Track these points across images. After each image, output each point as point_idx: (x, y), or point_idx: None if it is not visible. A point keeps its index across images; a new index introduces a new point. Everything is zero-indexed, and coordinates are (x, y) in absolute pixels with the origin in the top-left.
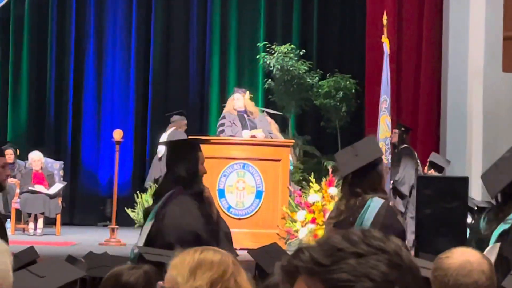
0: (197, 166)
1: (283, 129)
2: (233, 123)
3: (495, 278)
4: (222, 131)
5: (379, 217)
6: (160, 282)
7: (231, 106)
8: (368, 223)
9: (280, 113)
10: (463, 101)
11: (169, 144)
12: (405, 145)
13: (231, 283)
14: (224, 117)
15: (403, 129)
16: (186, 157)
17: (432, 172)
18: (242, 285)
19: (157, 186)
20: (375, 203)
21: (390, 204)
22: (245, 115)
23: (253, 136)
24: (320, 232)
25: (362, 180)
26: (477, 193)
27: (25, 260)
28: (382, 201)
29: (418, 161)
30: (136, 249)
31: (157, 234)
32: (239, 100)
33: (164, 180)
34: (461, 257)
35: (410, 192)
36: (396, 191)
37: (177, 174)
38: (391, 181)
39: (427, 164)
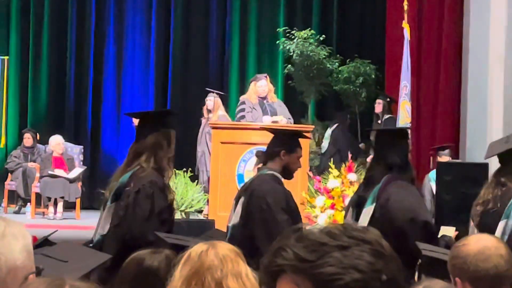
0: (407, 153)
1: (302, 115)
2: (253, 108)
3: None
4: (243, 116)
5: None
6: None
7: (253, 92)
8: None
9: (223, 93)
10: (484, 86)
11: (380, 133)
12: (389, 115)
13: None
14: (243, 103)
15: (388, 99)
16: (399, 144)
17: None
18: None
19: (367, 174)
20: None
21: None
22: (265, 101)
23: (274, 122)
24: (340, 218)
25: (508, 170)
26: None
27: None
28: None
29: None
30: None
31: (383, 216)
32: (265, 86)
33: (376, 167)
34: (478, 243)
35: None
36: None
37: (390, 161)
38: None
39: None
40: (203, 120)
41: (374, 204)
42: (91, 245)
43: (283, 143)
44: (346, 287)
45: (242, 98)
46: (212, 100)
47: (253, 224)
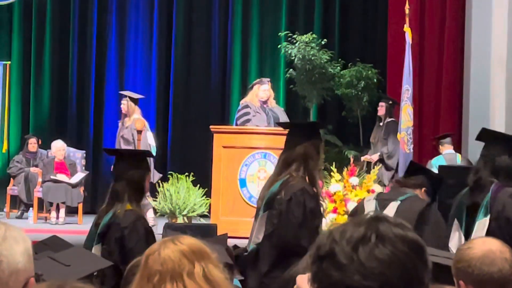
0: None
1: (304, 119)
2: (257, 112)
3: None
4: (248, 120)
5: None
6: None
7: (255, 94)
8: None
9: (143, 96)
10: (486, 90)
11: (493, 137)
12: (391, 119)
13: None
14: (247, 106)
15: (390, 102)
16: (508, 150)
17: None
18: None
19: (474, 177)
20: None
21: None
22: (265, 105)
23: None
24: (341, 222)
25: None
26: None
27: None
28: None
29: None
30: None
31: (500, 228)
32: (268, 90)
33: (483, 172)
34: (482, 246)
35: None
36: (383, 163)
37: (498, 165)
38: (379, 153)
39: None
40: (120, 124)
41: (489, 216)
42: (245, 253)
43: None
44: None
45: (244, 101)
46: (126, 104)
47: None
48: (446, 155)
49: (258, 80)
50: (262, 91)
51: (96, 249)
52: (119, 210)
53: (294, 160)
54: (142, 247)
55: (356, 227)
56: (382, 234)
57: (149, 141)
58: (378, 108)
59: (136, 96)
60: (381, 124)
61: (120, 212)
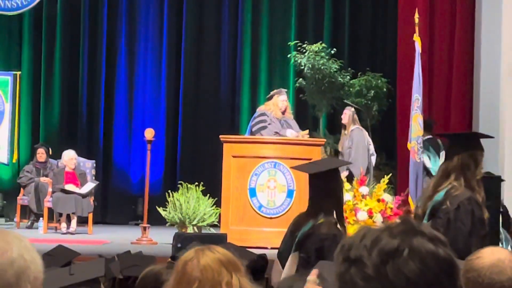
0: None
1: (314, 128)
2: (273, 121)
3: None
4: (264, 127)
5: None
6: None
7: (276, 106)
8: None
9: None
10: (496, 100)
11: None
12: (356, 126)
13: None
14: (264, 114)
15: (353, 109)
16: None
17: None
18: None
19: None
20: None
21: None
22: (281, 116)
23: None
24: (351, 231)
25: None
26: (509, 194)
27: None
28: None
29: (370, 140)
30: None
31: None
32: (286, 101)
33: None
34: (491, 256)
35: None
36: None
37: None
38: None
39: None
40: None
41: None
42: None
43: None
44: None
45: (261, 109)
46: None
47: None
48: None
49: (277, 90)
50: (281, 101)
51: (293, 257)
52: (321, 220)
53: (451, 171)
54: None
55: (391, 238)
56: (414, 249)
57: None
58: (342, 116)
59: None
60: (345, 132)
61: (321, 223)
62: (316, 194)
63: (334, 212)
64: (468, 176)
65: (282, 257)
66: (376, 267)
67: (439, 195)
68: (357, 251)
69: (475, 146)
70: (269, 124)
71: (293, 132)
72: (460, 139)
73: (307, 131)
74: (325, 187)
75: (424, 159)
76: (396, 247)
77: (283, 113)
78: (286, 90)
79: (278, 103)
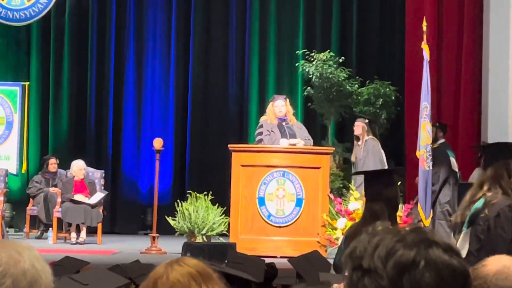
0: None
1: (323, 137)
2: (271, 131)
3: None
4: (261, 140)
5: None
6: None
7: (271, 113)
8: None
9: None
10: (505, 106)
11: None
12: (370, 137)
13: None
14: (261, 126)
15: (367, 121)
16: None
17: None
18: None
19: None
20: None
21: None
22: (284, 123)
23: (292, 145)
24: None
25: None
26: None
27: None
28: None
29: (382, 151)
30: None
31: None
32: (282, 106)
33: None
34: (497, 263)
35: None
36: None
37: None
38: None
39: None
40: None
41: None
42: None
43: None
44: None
45: (261, 120)
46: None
47: None
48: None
49: (271, 98)
50: (275, 107)
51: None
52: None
53: (485, 181)
54: None
55: (406, 249)
56: (430, 261)
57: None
58: (354, 128)
59: None
60: (359, 143)
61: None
62: (372, 199)
63: (388, 216)
64: (503, 185)
65: (337, 267)
66: (392, 280)
67: (478, 203)
68: (371, 261)
69: (506, 155)
70: (265, 135)
71: (285, 141)
72: (492, 150)
73: (299, 139)
74: (382, 192)
75: (451, 159)
76: (412, 259)
77: (283, 120)
78: (285, 96)
79: (274, 109)
